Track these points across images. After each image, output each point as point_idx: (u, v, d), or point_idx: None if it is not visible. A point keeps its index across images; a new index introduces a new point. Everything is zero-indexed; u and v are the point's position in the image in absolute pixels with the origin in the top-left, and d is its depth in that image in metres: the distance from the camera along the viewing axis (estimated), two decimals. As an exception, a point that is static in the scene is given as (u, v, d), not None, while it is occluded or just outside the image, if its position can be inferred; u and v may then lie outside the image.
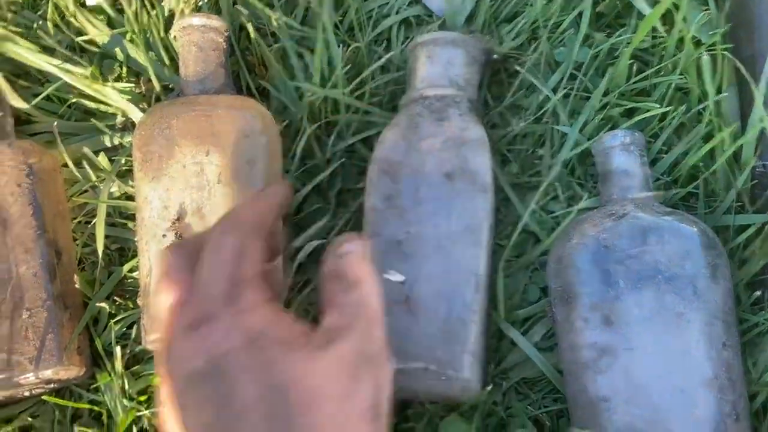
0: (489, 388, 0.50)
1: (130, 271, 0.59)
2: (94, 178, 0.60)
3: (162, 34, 0.62)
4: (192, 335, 0.35)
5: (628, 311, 0.48)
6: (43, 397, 0.56)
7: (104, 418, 0.56)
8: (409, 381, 0.49)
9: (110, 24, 0.64)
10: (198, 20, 0.56)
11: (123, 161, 0.60)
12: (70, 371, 0.54)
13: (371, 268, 0.41)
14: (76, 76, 0.61)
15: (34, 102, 0.62)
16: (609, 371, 0.48)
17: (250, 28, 0.60)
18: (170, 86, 0.62)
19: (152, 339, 0.52)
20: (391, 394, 0.38)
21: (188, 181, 0.52)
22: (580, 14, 0.58)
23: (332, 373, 0.35)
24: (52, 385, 0.55)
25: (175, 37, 0.61)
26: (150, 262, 0.53)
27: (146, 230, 0.53)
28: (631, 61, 0.55)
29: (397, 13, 0.62)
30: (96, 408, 0.56)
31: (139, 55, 0.63)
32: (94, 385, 0.57)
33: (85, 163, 0.60)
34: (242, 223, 0.40)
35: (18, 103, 0.62)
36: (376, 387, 0.37)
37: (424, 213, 0.52)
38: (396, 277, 0.51)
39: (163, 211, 0.53)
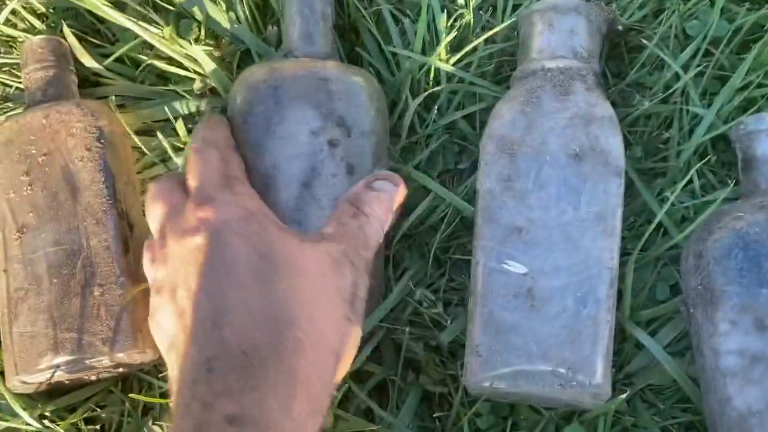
0: (624, 396, 0.44)
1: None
2: (167, 146, 0.54)
3: (245, -8, 0.57)
4: (196, 212, 0.39)
5: (785, 315, 0.43)
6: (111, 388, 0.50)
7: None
8: (532, 384, 0.44)
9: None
10: None
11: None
12: (145, 355, 0.49)
13: (390, 214, 0.44)
14: (153, 35, 0.56)
15: (107, 61, 0.56)
16: (762, 382, 0.42)
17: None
18: (253, 51, 0.56)
19: None
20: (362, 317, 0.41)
21: (300, 147, 0.46)
22: (716, -15, 0.52)
23: (319, 258, 0.39)
24: (120, 370, 0.50)
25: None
26: None
27: None
28: (783, 36, 0.49)
29: (504, -23, 0.56)
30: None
31: (220, 15, 0.57)
32: (163, 374, 0.52)
33: (159, 133, 0.55)
34: (216, 140, 0.44)
35: (88, 61, 0.57)
36: (354, 284, 0.40)
37: (548, 197, 0.47)
38: (517, 268, 0.46)
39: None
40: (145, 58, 0.57)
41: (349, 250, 0.41)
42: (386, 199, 0.44)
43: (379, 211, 0.43)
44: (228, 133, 0.46)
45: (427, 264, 0.52)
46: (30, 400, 0.50)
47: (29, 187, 0.50)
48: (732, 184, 0.49)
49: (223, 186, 0.41)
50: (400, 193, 0.45)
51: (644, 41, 0.53)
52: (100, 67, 0.57)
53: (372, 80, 0.50)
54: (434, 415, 0.49)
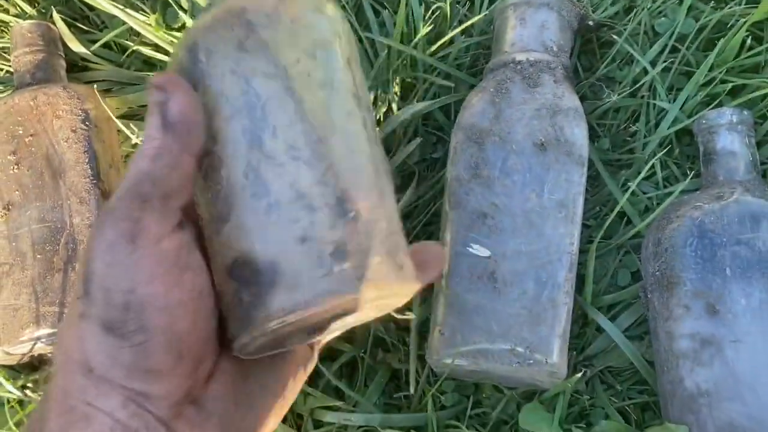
0: (579, 375, 0.46)
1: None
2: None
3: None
4: None
5: (735, 301, 0.44)
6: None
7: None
8: (493, 361, 0.46)
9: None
10: None
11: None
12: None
13: (149, 125, 0.32)
14: (139, 22, 0.58)
15: (94, 47, 0.58)
16: (711, 364, 0.44)
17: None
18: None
19: None
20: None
21: (235, 107, 0.35)
22: (684, -17, 0.54)
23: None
24: None
25: None
26: None
27: None
28: (746, 34, 0.51)
29: (482, -27, 0.58)
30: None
31: (204, 2, 0.59)
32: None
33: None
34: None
35: (76, 47, 0.58)
36: (84, 262, 0.30)
37: (513, 184, 0.49)
38: (481, 251, 0.48)
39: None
40: (131, 44, 0.59)
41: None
42: (149, 121, 0.32)
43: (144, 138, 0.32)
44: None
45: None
46: (12, 371, 0.52)
47: (16, 166, 0.52)
48: (691, 176, 0.51)
49: None
50: (173, 102, 0.32)
51: (614, 37, 0.55)
52: (88, 52, 0.59)
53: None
54: (400, 394, 0.51)
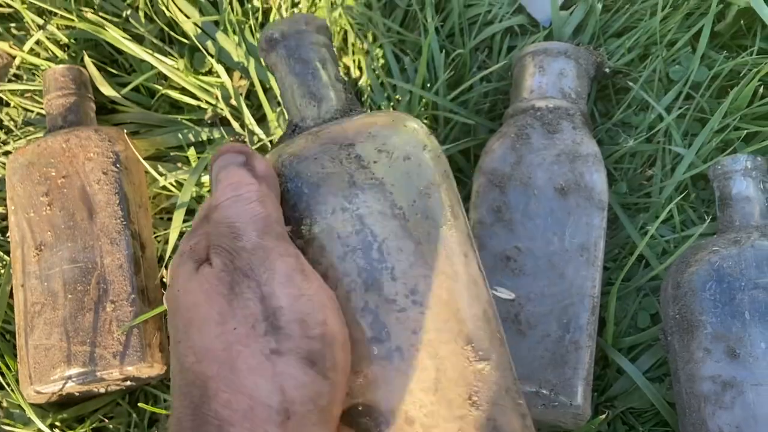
0: (603, 417, 0.47)
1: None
2: (179, 173, 0.58)
3: (257, 29, 0.61)
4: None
5: (755, 345, 0.45)
6: (118, 400, 0.53)
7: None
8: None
9: (202, 15, 0.62)
10: (292, 26, 0.40)
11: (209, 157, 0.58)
12: (153, 369, 0.51)
13: (252, 184, 0.32)
14: (168, 66, 0.60)
15: (124, 90, 0.60)
16: (733, 407, 0.45)
17: (348, 28, 0.58)
18: (265, 85, 0.60)
19: None
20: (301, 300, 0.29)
21: (347, 245, 0.38)
22: (697, 33, 0.56)
23: (207, 292, 0.29)
24: (128, 383, 0.53)
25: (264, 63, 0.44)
26: None
27: None
28: (759, 83, 0.53)
29: (500, 21, 0.60)
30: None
31: (231, 48, 0.61)
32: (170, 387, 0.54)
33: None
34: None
35: (108, 90, 0.60)
36: (261, 298, 0.28)
37: (535, 228, 0.50)
38: (505, 294, 0.49)
39: None
40: (159, 87, 0.61)
41: (230, 257, 0.29)
42: (235, 172, 0.32)
43: (231, 187, 0.32)
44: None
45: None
46: (42, 410, 0.53)
47: (48, 207, 0.53)
48: (709, 220, 0.52)
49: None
50: (257, 161, 0.33)
51: (630, 83, 0.57)
52: (118, 95, 0.60)
53: (412, 121, 0.37)
54: None
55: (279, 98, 0.58)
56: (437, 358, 0.30)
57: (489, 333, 0.32)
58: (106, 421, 0.53)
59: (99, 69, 0.61)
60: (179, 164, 0.59)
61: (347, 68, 0.61)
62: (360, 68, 0.61)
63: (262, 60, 0.46)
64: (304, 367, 0.26)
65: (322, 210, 0.33)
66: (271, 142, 0.59)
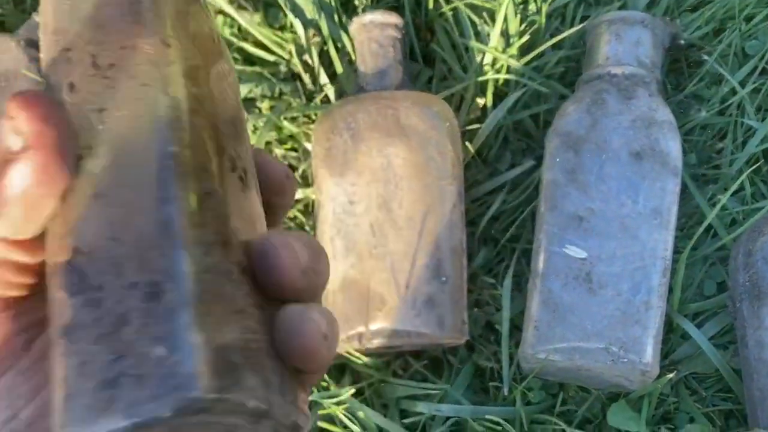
0: (670, 376, 0.47)
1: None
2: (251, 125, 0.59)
3: (333, -14, 0.61)
4: None
5: (827, 313, 0.46)
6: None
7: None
8: (587, 359, 0.47)
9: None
10: (378, 17, 0.56)
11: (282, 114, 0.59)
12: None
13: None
14: (247, 19, 0.60)
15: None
16: (803, 373, 0.45)
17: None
18: (336, 42, 0.61)
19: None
20: None
21: (375, 175, 0.51)
22: (775, 8, 0.56)
23: None
24: None
25: (351, 34, 0.59)
26: (335, 258, 0.51)
27: (330, 226, 0.52)
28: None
29: (575, -10, 0.60)
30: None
31: (306, 4, 0.62)
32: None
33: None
34: None
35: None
36: None
37: (608, 190, 0.50)
38: (577, 253, 0.49)
39: (348, 206, 0.51)
40: (235, 40, 0.61)
41: None
42: None
43: None
44: None
45: (491, 251, 0.55)
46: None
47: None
48: (780, 192, 0.53)
49: None
50: None
51: (705, 56, 0.57)
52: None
53: (442, 104, 0.54)
54: (489, 385, 0.52)
55: (353, 59, 0.59)
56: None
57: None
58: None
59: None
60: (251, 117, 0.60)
61: (419, 28, 0.62)
62: (432, 30, 0.61)
63: (343, 27, 0.59)
64: None
65: (363, 149, 0.51)
66: (338, 96, 0.60)
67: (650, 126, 0.51)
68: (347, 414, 0.51)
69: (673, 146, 0.51)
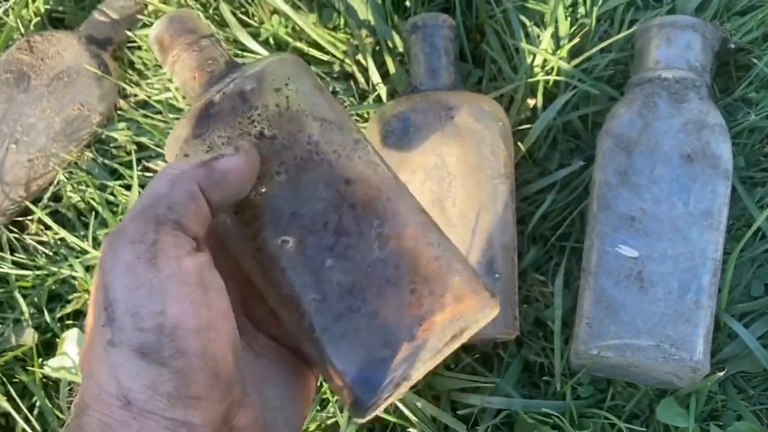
0: (721, 374, 0.48)
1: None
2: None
3: (385, -12, 0.63)
4: None
5: None
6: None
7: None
8: (637, 355, 0.48)
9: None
10: (431, 19, 0.57)
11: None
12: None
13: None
14: (303, 19, 0.62)
15: (258, 41, 0.63)
16: None
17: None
18: (388, 42, 0.62)
19: None
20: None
21: (429, 174, 0.53)
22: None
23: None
24: None
25: (404, 37, 0.60)
26: None
27: None
28: None
29: (625, -6, 0.61)
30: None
31: (359, 6, 0.63)
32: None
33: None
34: None
35: (244, 37, 0.63)
36: (104, 287, 0.28)
37: (660, 192, 0.51)
38: (629, 252, 0.50)
39: None
40: (290, 40, 0.63)
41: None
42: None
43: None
44: None
45: (540, 249, 0.57)
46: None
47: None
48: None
49: None
50: None
51: (755, 60, 0.58)
52: (254, 42, 0.63)
53: (494, 104, 0.55)
54: (542, 379, 0.53)
55: (406, 61, 0.60)
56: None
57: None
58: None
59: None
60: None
61: (469, 30, 0.63)
62: (482, 31, 0.63)
63: (399, 33, 0.62)
64: (135, 358, 0.27)
65: (417, 147, 0.52)
66: (390, 96, 0.61)
67: (701, 129, 0.52)
68: (401, 403, 0.52)
69: (724, 149, 0.52)
